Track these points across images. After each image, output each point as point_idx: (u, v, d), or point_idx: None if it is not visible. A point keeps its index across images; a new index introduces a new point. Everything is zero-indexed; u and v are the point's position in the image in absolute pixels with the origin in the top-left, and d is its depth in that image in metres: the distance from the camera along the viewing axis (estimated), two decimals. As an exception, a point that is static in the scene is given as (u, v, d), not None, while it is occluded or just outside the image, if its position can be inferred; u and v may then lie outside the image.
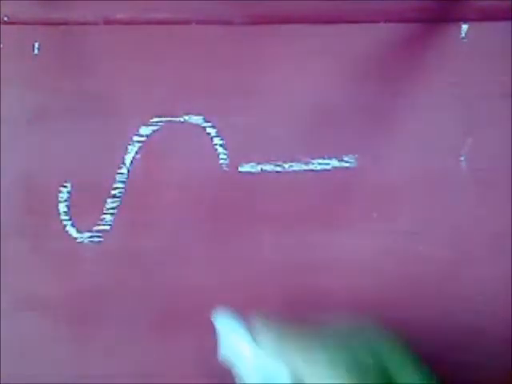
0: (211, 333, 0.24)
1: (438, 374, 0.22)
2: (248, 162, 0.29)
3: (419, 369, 0.23)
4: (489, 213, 0.29)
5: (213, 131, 0.29)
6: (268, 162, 0.29)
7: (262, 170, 0.29)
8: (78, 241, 0.29)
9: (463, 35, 0.29)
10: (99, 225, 0.29)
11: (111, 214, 0.29)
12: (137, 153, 0.29)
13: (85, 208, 0.29)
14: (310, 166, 0.29)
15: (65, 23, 0.29)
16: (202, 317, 0.26)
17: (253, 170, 0.29)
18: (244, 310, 0.24)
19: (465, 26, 0.29)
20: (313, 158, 0.29)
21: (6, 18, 0.29)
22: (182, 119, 0.29)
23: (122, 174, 0.29)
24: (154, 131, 0.29)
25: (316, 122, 0.29)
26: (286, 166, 0.29)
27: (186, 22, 0.29)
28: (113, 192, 0.29)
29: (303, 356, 0.22)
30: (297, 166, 0.29)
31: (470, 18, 0.29)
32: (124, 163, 0.29)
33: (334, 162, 0.29)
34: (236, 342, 0.24)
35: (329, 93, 0.29)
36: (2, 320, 0.29)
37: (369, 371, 0.22)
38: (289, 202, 0.29)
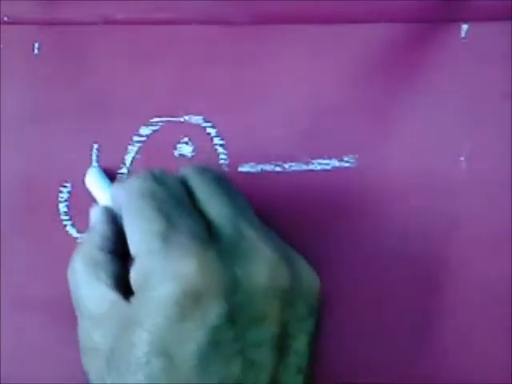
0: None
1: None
2: (248, 161, 0.29)
3: (231, 201, 0.23)
4: (489, 213, 0.29)
5: (213, 131, 0.29)
6: (268, 162, 0.29)
7: (261, 170, 0.29)
8: (78, 241, 0.29)
9: (463, 35, 0.29)
10: (99, 225, 0.29)
11: (111, 214, 0.29)
12: (137, 153, 0.29)
13: (85, 208, 0.29)
14: (310, 166, 0.29)
15: (65, 23, 0.29)
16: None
17: (253, 170, 0.29)
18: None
19: (465, 26, 0.29)
20: (313, 158, 0.29)
21: (6, 18, 0.29)
22: (182, 119, 0.29)
23: (122, 174, 0.29)
24: (153, 131, 0.29)
25: (316, 121, 0.29)
26: (286, 166, 0.29)
27: (186, 22, 0.29)
28: (113, 192, 0.29)
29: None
30: (297, 166, 0.29)
31: (470, 18, 0.29)
32: (124, 163, 0.29)
33: (334, 162, 0.29)
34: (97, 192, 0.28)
35: (329, 93, 0.29)
36: (2, 320, 0.29)
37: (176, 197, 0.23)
38: (289, 201, 0.29)
